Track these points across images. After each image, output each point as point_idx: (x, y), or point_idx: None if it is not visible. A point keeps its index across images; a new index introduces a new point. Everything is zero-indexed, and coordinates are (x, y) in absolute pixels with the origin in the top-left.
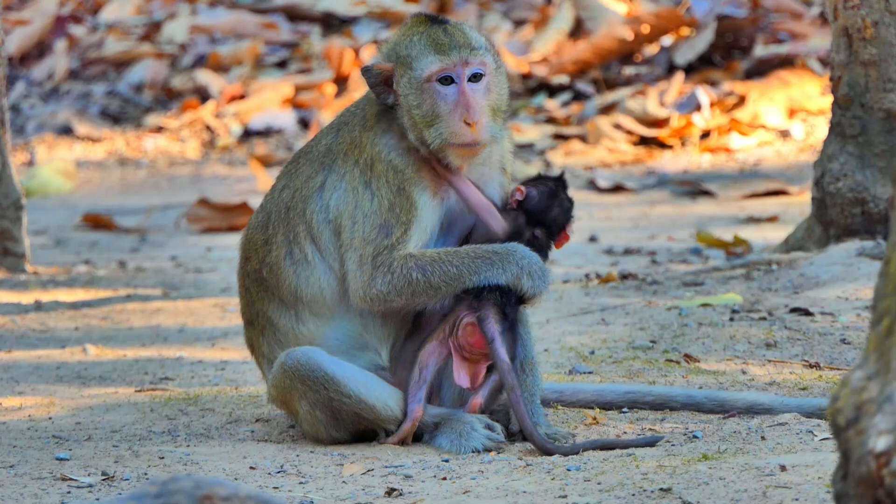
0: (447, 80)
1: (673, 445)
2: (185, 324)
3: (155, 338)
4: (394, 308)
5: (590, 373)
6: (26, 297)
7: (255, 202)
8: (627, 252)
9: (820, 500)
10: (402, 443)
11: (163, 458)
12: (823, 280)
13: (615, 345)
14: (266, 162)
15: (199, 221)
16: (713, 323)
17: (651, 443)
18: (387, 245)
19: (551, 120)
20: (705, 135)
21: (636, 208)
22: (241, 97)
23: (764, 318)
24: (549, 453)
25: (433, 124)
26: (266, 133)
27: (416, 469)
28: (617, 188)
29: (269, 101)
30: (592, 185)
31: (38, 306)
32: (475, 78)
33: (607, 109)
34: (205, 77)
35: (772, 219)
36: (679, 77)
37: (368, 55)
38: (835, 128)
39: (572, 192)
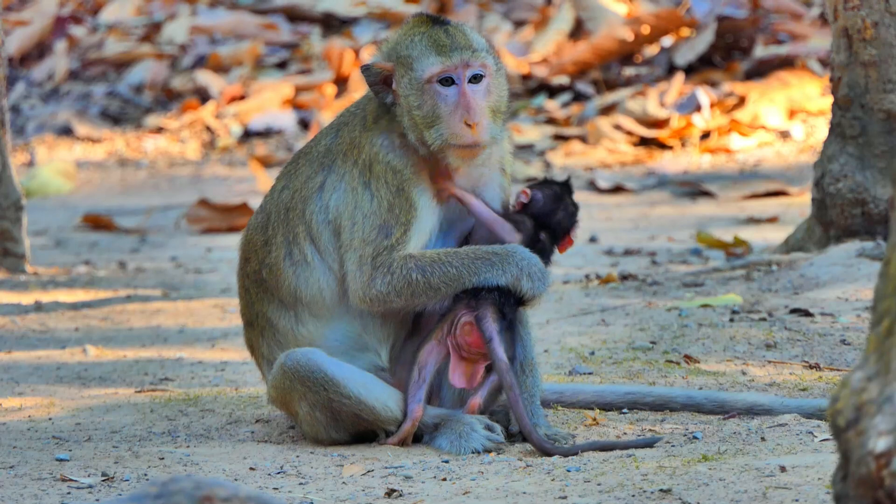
0: (448, 81)
1: (673, 446)
2: (185, 324)
3: (155, 338)
4: (393, 308)
5: (590, 374)
6: (26, 298)
7: (256, 203)
8: (627, 253)
9: (820, 500)
10: (403, 443)
11: (163, 458)
12: (823, 281)
13: (615, 346)
14: (266, 162)
15: (199, 222)
16: (713, 324)
17: (650, 444)
18: (386, 246)
19: (551, 121)
20: (705, 135)
21: (636, 209)
22: (242, 98)
23: (764, 319)
24: (547, 454)
25: (433, 125)
26: (266, 134)
27: (416, 470)
28: (617, 189)
29: (270, 102)
30: (592, 186)
31: (39, 307)
32: (476, 79)
33: (607, 110)
34: (205, 78)
35: (772, 219)
36: (679, 78)
37: (368, 56)
38: (835, 128)
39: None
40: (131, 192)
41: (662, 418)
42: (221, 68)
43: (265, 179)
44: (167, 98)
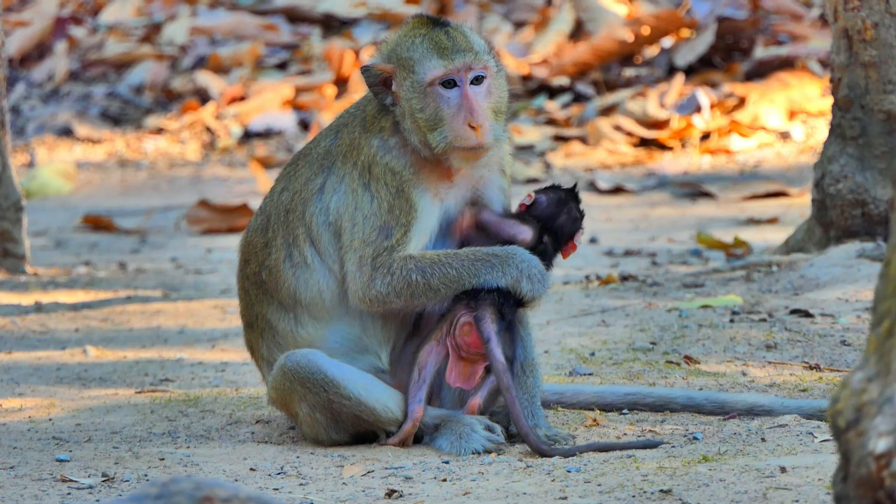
0: (450, 83)
1: (673, 447)
2: (186, 325)
3: (155, 339)
4: (393, 309)
5: (590, 374)
6: (26, 299)
7: (256, 204)
8: (628, 253)
9: (820, 501)
10: (403, 444)
11: (163, 459)
12: (824, 282)
13: (615, 346)
14: (266, 163)
15: (200, 223)
16: (713, 324)
17: (651, 445)
18: (386, 246)
19: (551, 121)
20: (705, 136)
21: (636, 210)
22: (242, 99)
23: (764, 320)
24: (543, 454)
25: (437, 128)
26: (266, 134)
27: (416, 470)
28: (617, 190)
29: (270, 103)
30: (593, 187)
31: (39, 307)
32: (477, 81)
33: (607, 111)
34: (205, 78)
35: (772, 220)
36: (679, 79)
37: (368, 57)
38: (835, 129)
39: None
40: (131, 192)
41: (663, 419)
42: (221, 69)
43: (265, 180)
44: (167, 99)
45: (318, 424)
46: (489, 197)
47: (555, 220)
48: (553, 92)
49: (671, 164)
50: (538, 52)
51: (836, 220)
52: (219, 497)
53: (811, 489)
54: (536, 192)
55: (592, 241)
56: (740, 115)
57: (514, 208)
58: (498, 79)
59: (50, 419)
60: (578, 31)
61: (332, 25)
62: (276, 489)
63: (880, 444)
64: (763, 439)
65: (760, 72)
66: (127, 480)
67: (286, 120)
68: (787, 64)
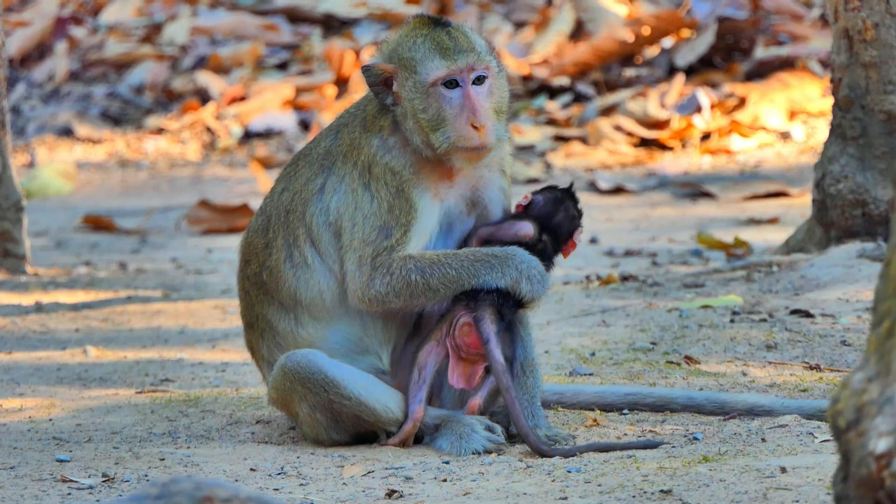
0: (452, 83)
1: (673, 447)
2: (186, 325)
3: (155, 339)
4: (392, 309)
5: (590, 374)
6: (27, 299)
7: (256, 204)
8: (628, 254)
9: (820, 501)
10: (403, 444)
11: (163, 459)
12: (824, 282)
13: (616, 346)
14: (266, 163)
15: (200, 223)
16: (714, 325)
17: (651, 446)
18: (386, 246)
19: (552, 121)
20: (706, 136)
21: (637, 210)
22: (242, 99)
23: (764, 320)
24: (543, 455)
25: (439, 128)
26: (267, 135)
27: (416, 471)
28: (617, 190)
29: (270, 103)
30: (593, 187)
31: (39, 308)
32: (479, 81)
33: (608, 111)
34: (205, 79)
35: (772, 220)
36: (679, 79)
37: (369, 57)
38: (835, 130)
39: (577, 196)
40: (132, 193)
41: (663, 419)
42: (222, 69)
43: (265, 180)
44: (168, 99)
45: (319, 425)
46: (489, 197)
47: (552, 219)
48: (553, 92)
49: (672, 164)
50: (538, 52)
51: (836, 221)
52: (219, 497)
53: (811, 489)
54: (533, 193)
55: (593, 241)
56: (741, 116)
57: (512, 210)
58: (499, 79)
59: (50, 419)
60: (579, 32)
61: (333, 25)
62: (277, 489)
63: (881, 445)
64: (763, 439)
65: (761, 72)
66: (127, 481)
67: (286, 120)
68: (787, 64)
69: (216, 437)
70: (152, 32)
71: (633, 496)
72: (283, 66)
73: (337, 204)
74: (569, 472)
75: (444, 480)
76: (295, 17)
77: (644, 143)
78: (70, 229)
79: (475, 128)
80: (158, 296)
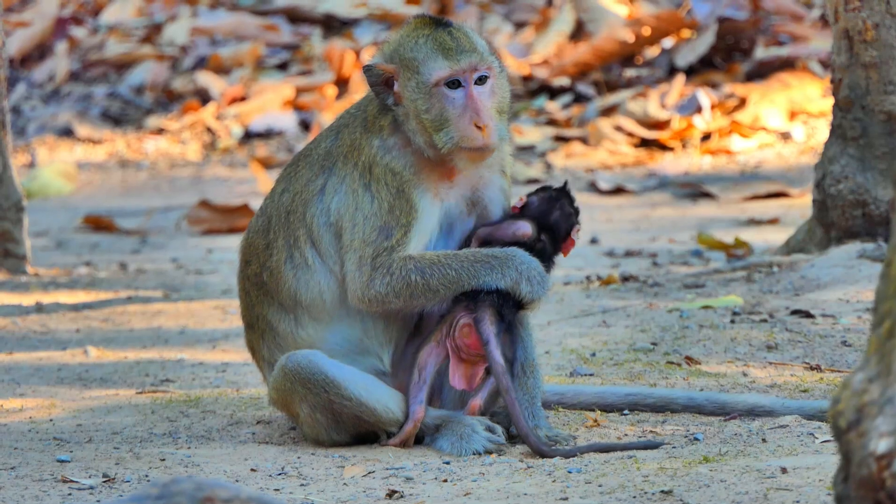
0: (454, 83)
1: (674, 448)
2: (186, 326)
3: (156, 340)
4: (392, 310)
5: (591, 375)
6: (27, 299)
7: (256, 204)
8: (628, 254)
9: (821, 502)
10: (404, 444)
11: (164, 459)
12: (824, 282)
13: (616, 347)
14: (267, 164)
15: (200, 223)
16: (714, 325)
17: (652, 446)
18: (386, 247)
19: (552, 122)
20: (706, 137)
21: (637, 210)
22: (242, 99)
23: (765, 321)
24: (543, 455)
25: (442, 128)
26: (267, 135)
27: (417, 471)
28: (618, 190)
29: (270, 103)
30: (593, 187)
31: (39, 308)
32: (481, 81)
33: (608, 111)
34: (205, 79)
35: (773, 221)
36: (680, 79)
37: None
38: (836, 130)
39: (573, 195)
40: (132, 193)
41: (663, 420)
42: (222, 69)
43: (266, 181)
44: (168, 99)
45: (319, 425)
46: (489, 197)
47: (549, 218)
48: (554, 92)
49: (672, 164)
50: (539, 52)
51: (836, 221)
52: (220, 498)
53: (812, 490)
54: (528, 195)
55: (593, 241)
56: (741, 116)
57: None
58: (500, 79)
59: (51, 420)
60: (579, 32)
61: (333, 26)
62: (277, 490)
63: (881, 445)
64: (764, 440)
65: (761, 72)
66: (128, 481)
67: (287, 120)
68: (787, 64)
69: (217, 437)
70: (152, 33)
71: (634, 497)
72: (283, 67)
73: (338, 205)
74: (569, 472)
75: (445, 481)
76: (295, 17)
77: (644, 143)
78: (70, 229)
79: (478, 128)
80: (159, 296)
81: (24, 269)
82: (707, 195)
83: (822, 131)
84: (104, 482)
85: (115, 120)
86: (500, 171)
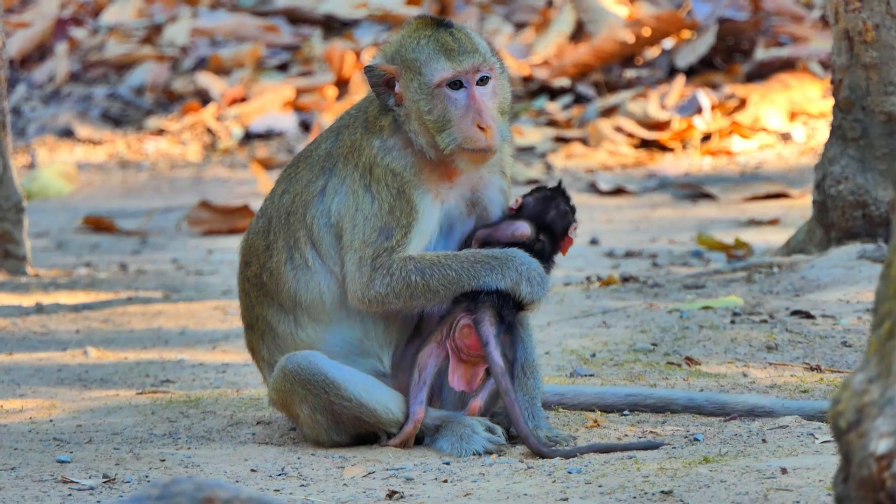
0: (456, 84)
1: (674, 448)
2: (187, 326)
3: (156, 340)
4: (391, 310)
5: (591, 375)
6: (27, 300)
7: (256, 205)
8: (628, 255)
9: (821, 502)
10: (404, 445)
11: (164, 460)
12: (824, 283)
13: (616, 347)
14: (267, 164)
15: (200, 224)
16: (714, 326)
17: (652, 447)
18: (386, 247)
19: (552, 123)
20: (706, 137)
21: (637, 211)
22: (242, 100)
23: (765, 321)
24: (543, 456)
25: (445, 129)
26: (267, 136)
27: (417, 472)
28: (618, 191)
29: (271, 104)
30: (593, 188)
31: (39, 309)
32: (482, 82)
33: (608, 112)
34: (206, 80)
35: (773, 222)
36: (680, 80)
37: (369, 58)
38: (836, 131)
39: (573, 195)
40: (132, 194)
41: (664, 420)
42: (222, 70)
43: (266, 181)
44: (168, 100)
45: (319, 426)
46: (489, 198)
47: (545, 217)
48: (554, 93)
49: (672, 165)
50: (539, 53)
51: (836, 222)
52: (220, 498)
53: (812, 490)
54: (523, 196)
55: (593, 242)
56: (741, 117)
57: None
58: (502, 80)
59: (51, 420)
60: (579, 33)
61: (333, 26)
62: (277, 490)
63: (881, 446)
64: (764, 440)
65: (761, 73)
66: (128, 481)
67: (287, 121)
68: (787, 65)
69: (217, 438)
70: (153, 33)
71: (634, 497)
72: (283, 68)
73: (338, 206)
74: (569, 472)
75: (445, 481)
76: (295, 18)
77: (644, 144)
78: (71, 230)
79: (481, 129)
80: (159, 297)
81: (24, 270)
82: (707, 196)
83: (823, 132)
84: (104, 483)
85: (116, 121)
86: (500, 171)
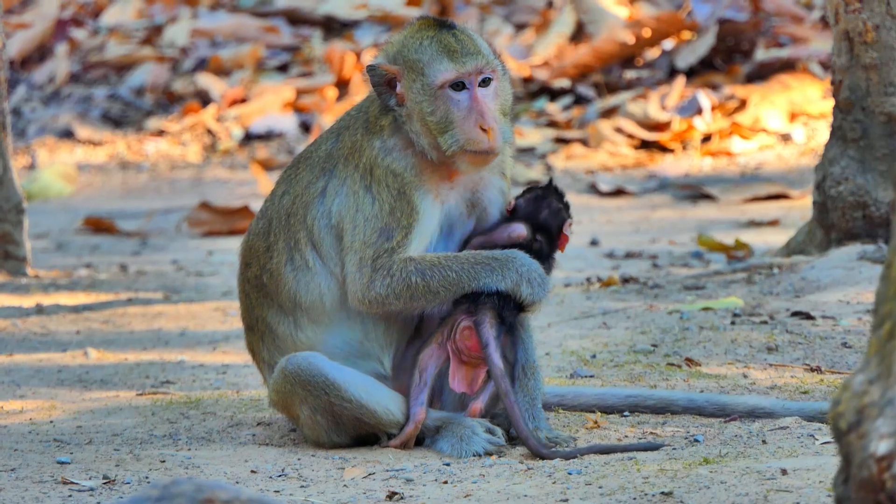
0: (459, 85)
1: (674, 449)
2: (187, 327)
3: (156, 341)
4: (391, 311)
5: (591, 376)
6: (27, 301)
7: (257, 206)
8: (629, 256)
9: (821, 503)
10: (404, 446)
11: (164, 461)
12: (825, 284)
13: (616, 348)
14: (267, 166)
15: (201, 225)
16: (714, 327)
17: (652, 448)
18: (387, 248)
19: (553, 124)
20: (706, 138)
21: (637, 212)
22: (243, 101)
23: (765, 322)
24: (543, 457)
25: (447, 130)
26: (267, 137)
27: (417, 473)
28: (618, 192)
29: (271, 105)
30: (594, 189)
31: (40, 310)
32: (484, 83)
33: (608, 113)
34: (206, 81)
35: (773, 222)
36: (680, 81)
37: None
38: (836, 131)
39: (573, 196)
40: (132, 195)
41: (664, 421)
42: (222, 71)
43: (266, 182)
44: (168, 101)
45: (319, 427)
46: (489, 199)
47: (538, 217)
48: (554, 94)
49: (672, 166)
50: (539, 54)
51: (837, 223)
52: (220, 499)
53: (812, 491)
54: (516, 198)
55: (593, 243)
56: (741, 118)
57: None
58: (503, 81)
59: (51, 421)
60: (579, 34)
61: (333, 27)
62: (278, 491)
63: (882, 447)
64: (764, 441)
65: (761, 74)
66: (128, 482)
67: (287, 122)
68: (788, 66)
69: (217, 439)
70: (153, 34)
71: (634, 498)
72: (283, 68)
73: (338, 207)
74: (569, 473)
75: (445, 482)
76: (295, 18)
77: (645, 145)
78: (71, 231)
79: (483, 130)
80: (159, 298)
81: (24, 271)
82: (707, 197)
83: (823, 133)
84: (104, 484)
85: (116, 122)
86: (500, 172)
